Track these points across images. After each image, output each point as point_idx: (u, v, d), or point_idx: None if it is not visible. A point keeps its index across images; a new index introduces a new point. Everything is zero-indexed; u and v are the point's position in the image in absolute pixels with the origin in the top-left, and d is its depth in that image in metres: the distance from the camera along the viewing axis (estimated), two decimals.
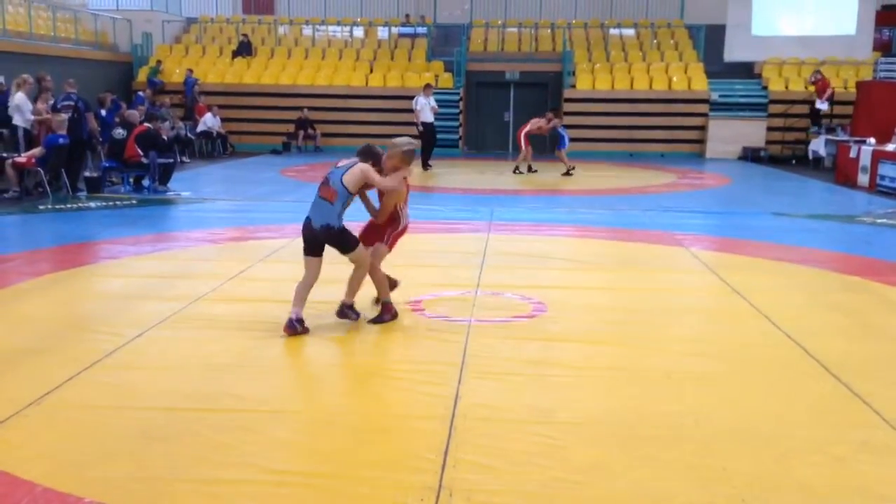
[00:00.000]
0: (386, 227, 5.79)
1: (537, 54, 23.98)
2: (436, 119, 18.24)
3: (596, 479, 3.43)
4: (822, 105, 20.24)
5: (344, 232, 5.40)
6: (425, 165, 17.50)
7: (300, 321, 5.37)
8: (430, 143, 17.95)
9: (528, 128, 16.84)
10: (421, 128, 17.64)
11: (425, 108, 17.78)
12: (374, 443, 3.77)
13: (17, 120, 13.14)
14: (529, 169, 16.95)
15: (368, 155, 5.53)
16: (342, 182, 5.33)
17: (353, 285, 5.59)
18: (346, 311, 5.62)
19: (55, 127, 12.31)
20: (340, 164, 5.47)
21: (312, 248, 5.42)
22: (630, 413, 4.16)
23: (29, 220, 10.35)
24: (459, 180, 15.82)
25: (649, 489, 3.35)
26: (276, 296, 6.42)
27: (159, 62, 23.05)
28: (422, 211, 9.86)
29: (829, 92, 20.35)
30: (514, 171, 16.79)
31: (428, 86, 18.49)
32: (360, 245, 5.48)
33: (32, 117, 13.17)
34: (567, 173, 16.52)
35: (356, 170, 5.37)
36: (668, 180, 16.44)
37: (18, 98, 13.14)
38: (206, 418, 3.99)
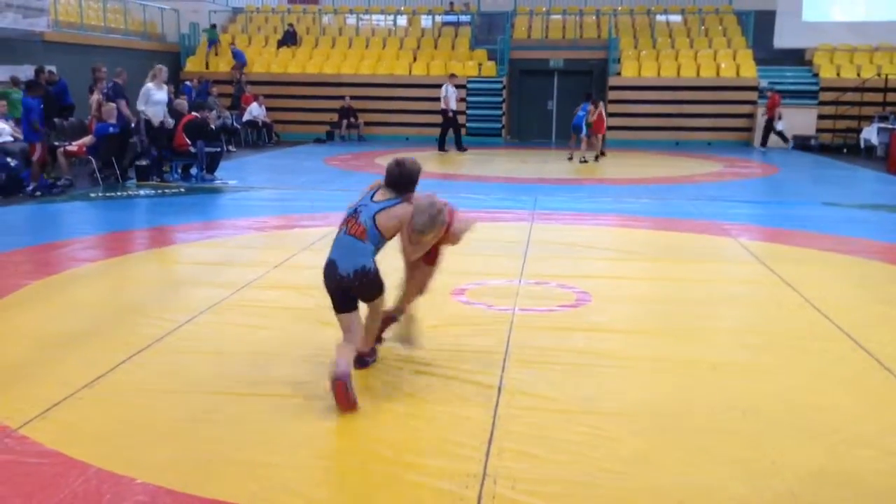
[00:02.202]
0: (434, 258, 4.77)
1: (582, 41, 23.74)
2: (479, 109, 19.18)
3: (641, 470, 3.41)
4: (779, 126, 19.86)
5: (377, 275, 4.26)
6: (461, 147, 19.04)
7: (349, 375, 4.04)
8: (457, 129, 19.38)
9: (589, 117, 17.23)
10: (450, 114, 18.95)
11: (452, 97, 18.93)
12: (419, 430, 3.79)
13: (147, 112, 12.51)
14: (587, 159, 17.15)
15: (408, 185, 4.35)
16: (375, 222, 4.20)
17: (370, 334, 4.50)
18: (365, 359, 4.57)
19: (105, 116, 12.55)
20: (376, 196, 4.34)
21: (345, 302, 4.24)
22: (676, 404, 4.13)
23: (80, 207, 10.58)
24: (502, 169, 15.78)
25: (695, 482, 3.31)
26: (321, 283, 6.47)
27: (214, 25, 23.63)
28: (466, 200, 9.85)
29: (777, 111, 19.93)
30: (581, 161, 17.01)
31: (453, 75, 19.85)
32: (384, 293, 4.44)
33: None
34: (584, 160, 16.90)
35: (397, 212, 4.23)
36: (714, 169, 16.19)
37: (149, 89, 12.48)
38: (254, 403, 4.05)
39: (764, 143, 20.27)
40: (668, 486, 3.28)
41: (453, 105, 18.93)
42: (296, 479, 3.28)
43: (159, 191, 11.95)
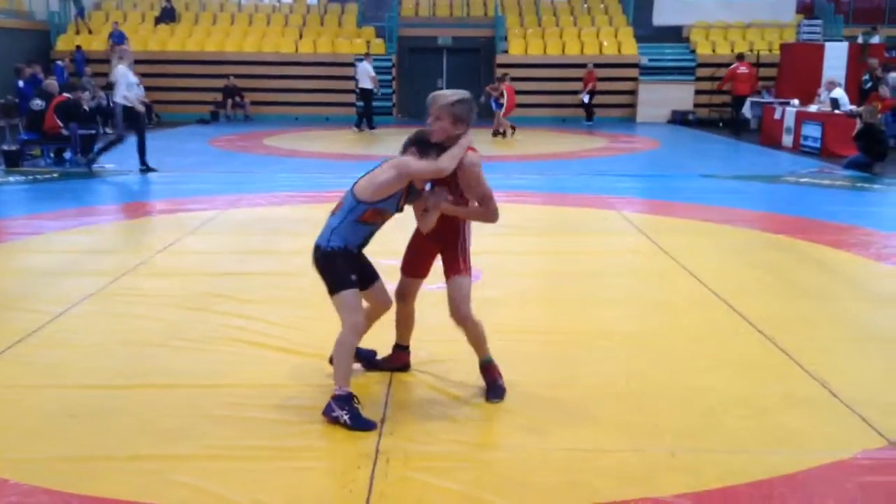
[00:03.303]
0: (453, 241, 3.84)
1: (469, 19, 23.86)
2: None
3: (531, 440, 3.47)
4: (584, 97, 20.70)
5: (332, 258, 3.55)
6: (371, 126, 19.11)
7: (347, 399, 3.54)
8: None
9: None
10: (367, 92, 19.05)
11: (364, 76, 18.97)
12: (308, 415, 3.73)
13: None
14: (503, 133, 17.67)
15: (410, 142, 3.73)
16: (353, 189, 3.65)
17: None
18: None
19: None
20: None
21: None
22: (564, 374, 4.22)
23: None
24: (393, 148, 15.68)
25: (582, 446, 3.41)
26: (207, 268, 6.30)
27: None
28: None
29: (591, 85, 20.87)
30: (504, 135, 17.56)
31: (367, 55, 20.08)
32: (348, 294, 3.55)
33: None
34: (499, 133, 17.38)
35: (380, 167, 3.65)
36: (599, 145, 16.63)
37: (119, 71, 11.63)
38: (134, 395, 3.90)
39: (589, 117, 21.13)
40: (556, 452, 3.35)
41: (364, 83, 18.98)
42: (181, 470, 3.18)
43: (30, 177, 11.32)
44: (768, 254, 7.03)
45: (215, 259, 6.64)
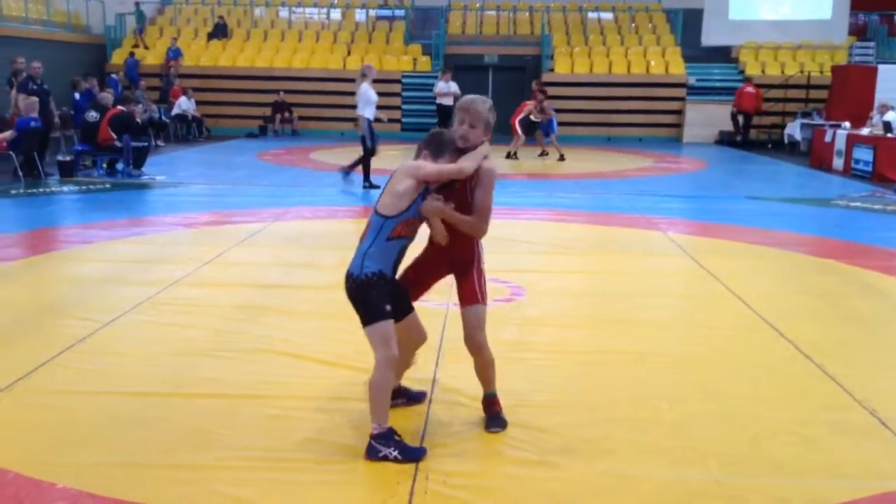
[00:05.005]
0: (469, 266, 3.72)
1: (515, 37, 23.94)
2: (413, 104, 18.67)
3: (571, 461, 3.44)
4: (535, 119, 19.57)
5: (367, 287, 3.38)
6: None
7: (388, 436, 3.41)
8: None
9: (521, 115, 16.49)
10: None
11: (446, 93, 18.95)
12: (349, 429, 3.75)
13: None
14: (514, 155, 16.56)
15: (425, 144, 3.57)
16: (376, 207, 3.47)
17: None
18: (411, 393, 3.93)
19: (25, 110, 12.12)
20: None
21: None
22: (605, 396, 4.18)
23: (0, 204, 10.20)
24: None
25: (623, 471, 3.36)
26: (253, 280, 6.39)
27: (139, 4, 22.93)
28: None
29: (528, 107, 19.09)
30: (507, 156, 16.33)
31: (445, 72, 19.82)
32: (383, 325, 3.38)
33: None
34: (562, 157, 16.37)
35: (394, 176, 3.45)
36: (645, 164, 16.50)
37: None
38: (180, 403, 3.95)
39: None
40: (598, 476, 3.32)
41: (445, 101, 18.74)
42: (222, 481, 3.22)
43: (83, 187, 11.60)
44: (817, 278, 6.89)
45: (261, 271, 6.72)
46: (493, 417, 3.77)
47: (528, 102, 17.03)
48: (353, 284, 3.41)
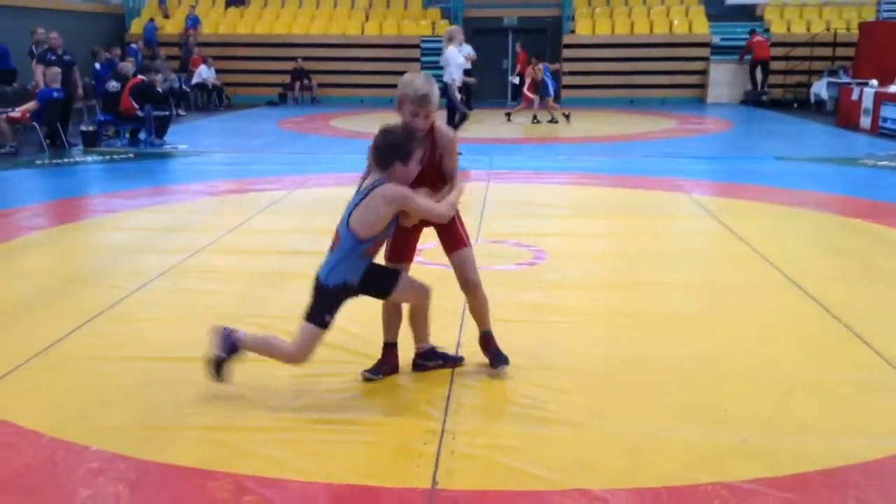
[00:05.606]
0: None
1: None
2: (432, 69, 18.30)
3: (596, 420, 3.45)
4: (513, 79, 18.94)
5: (325, 294, 3.52)
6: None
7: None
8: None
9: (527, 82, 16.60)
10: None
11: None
12: (377, 391, 3.79)
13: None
14: (534, 119, 16.64)
15: (390, 155, 3.48)
16: (348, 223, 3.49)
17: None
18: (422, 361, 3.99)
19: (48, 80, 12.17)
20: (364, 184, 3.58)
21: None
22: (631, 357, 4.18)
23: (26, 175, 10.29)
24: (458, 129, 15.67)
25: (650, 431, 3.37)
26: (276, 247, 6.42)
27: None
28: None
29: (519, 67, 18.79)
30: (532, 121, 16.50)
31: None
32: (315, 331, 3.54)
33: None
34: (554, 120, 16.40)
35: (373, 201, 3.44)
36: (668, 126, 16.31)
37: None
38: None
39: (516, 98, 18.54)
40: (623, 436, 3.33)
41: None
42: (254, 442, 3.26)
43: (107, 157, 11.67)
44: (844, 238, 6.81)
45: (285, 238, 6.75)
46: (496, 355, 3.92)
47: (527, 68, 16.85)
48: (317, 283, 3.57)
